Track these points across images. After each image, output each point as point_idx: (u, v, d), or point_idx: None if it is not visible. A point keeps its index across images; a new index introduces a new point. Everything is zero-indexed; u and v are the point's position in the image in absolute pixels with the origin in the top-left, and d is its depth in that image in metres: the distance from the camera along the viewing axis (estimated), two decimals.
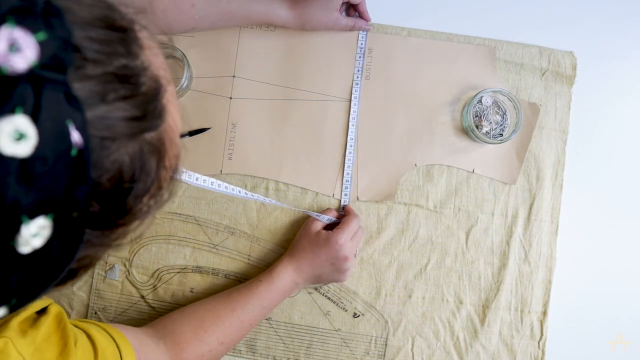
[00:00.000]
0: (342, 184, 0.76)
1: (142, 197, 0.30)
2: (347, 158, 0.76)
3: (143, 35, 0.29)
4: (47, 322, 0.46)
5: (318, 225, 0.71)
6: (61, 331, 0.46)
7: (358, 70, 0.76)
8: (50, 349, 0.44)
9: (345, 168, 0.76)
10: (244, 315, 0.66)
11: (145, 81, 0.28)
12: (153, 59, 0.29)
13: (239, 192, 0.64)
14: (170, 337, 0.63)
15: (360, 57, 0.76)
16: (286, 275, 0.69)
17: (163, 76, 0.30)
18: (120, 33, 0.27)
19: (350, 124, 0.76)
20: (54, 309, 0.48)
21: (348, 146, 0.76)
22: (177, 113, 0.33)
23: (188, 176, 0.61)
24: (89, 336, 0.50)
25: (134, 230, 0.31)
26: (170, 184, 0.34)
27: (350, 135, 0.76)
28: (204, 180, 0.63)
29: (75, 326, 0.51)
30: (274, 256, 0.75)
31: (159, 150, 0.30)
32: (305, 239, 0.70)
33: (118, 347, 0.53)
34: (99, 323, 0.56)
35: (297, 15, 0.72)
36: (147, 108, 0.28)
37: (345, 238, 0.68)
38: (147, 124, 0.28)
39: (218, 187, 0.61)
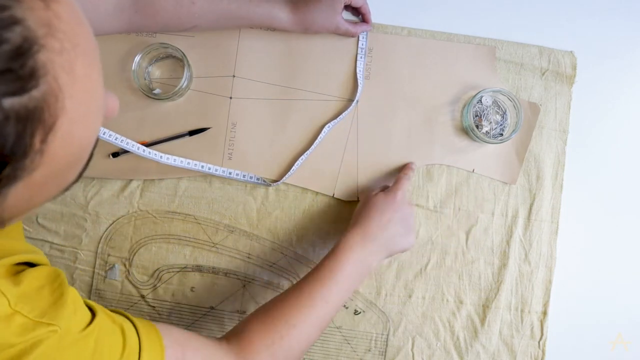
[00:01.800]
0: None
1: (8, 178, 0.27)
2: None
3: None
4: (38, 273, 0.43)
5: (374, 191, 0.70)
6: (51, 284, 0.43)
7: (358, 70, 0.76)
8: (40, 298, 0.41)
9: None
10: (314, 293, 0.60)
11: (10, 37, 0.26)
12: (34, 14, 0.27)
13: (174, 160, 0.69)
14: (235, 336, 0.58)
15: (360, 57, 0.76)
16: (355, 244, 0.63)
17: (49, 34, 0.27)
18: None
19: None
20: (49, 268, 0.45)
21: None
22: (81, 82, 0.29)
23: (103, 134, 0.65)
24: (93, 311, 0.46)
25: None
26: (66, 172, 0.31)
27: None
28: (121, 141, 0.68)
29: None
30: (274, 255, 0.75)
31: (28, 119, 0.26)
32: (366, 206, 0.68)
33: (138, 333, 0.47)
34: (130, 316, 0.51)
35: (298, 20, 0.72)
36: (11, 66, 0.25)
37: (404, 189, 0.68)
38: (8, 85, 0.25)
39: (143, 152, 0.67)
